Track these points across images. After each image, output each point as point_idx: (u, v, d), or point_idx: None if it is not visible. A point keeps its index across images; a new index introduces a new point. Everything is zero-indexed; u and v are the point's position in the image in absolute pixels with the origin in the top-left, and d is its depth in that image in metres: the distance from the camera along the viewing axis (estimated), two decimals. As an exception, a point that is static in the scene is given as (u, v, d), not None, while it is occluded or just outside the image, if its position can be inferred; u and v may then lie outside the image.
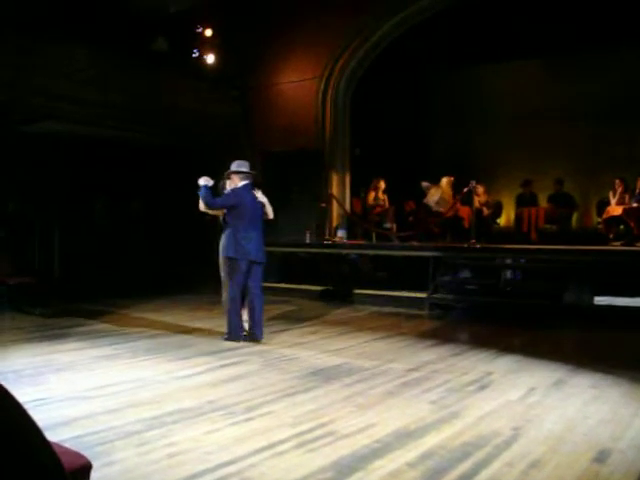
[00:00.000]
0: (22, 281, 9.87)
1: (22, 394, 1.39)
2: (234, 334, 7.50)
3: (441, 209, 12.66)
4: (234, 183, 7.64)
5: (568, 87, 13.91)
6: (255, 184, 7.98)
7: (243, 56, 14.17)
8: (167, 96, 12.92)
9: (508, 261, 10.75)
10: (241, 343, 7.35)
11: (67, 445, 2.29)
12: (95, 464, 2.21)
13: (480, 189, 12.69)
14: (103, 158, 13.73)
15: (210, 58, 13.79)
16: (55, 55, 11.19)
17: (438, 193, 12.83)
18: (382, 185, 13.52)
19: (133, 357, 6.51)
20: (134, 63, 12.55)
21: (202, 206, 7.79)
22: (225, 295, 7.76)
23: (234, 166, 7.70)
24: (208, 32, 13.78)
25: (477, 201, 12.18)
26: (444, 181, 12.94)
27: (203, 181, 7.53)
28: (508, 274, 10.75)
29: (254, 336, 7.51)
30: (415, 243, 12.10)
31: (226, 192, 7.66)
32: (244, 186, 7.61)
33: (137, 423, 4.24)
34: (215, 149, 13.98)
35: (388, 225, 13.46)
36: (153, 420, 4.31)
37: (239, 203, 7.51)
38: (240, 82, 14.40)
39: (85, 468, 1.95)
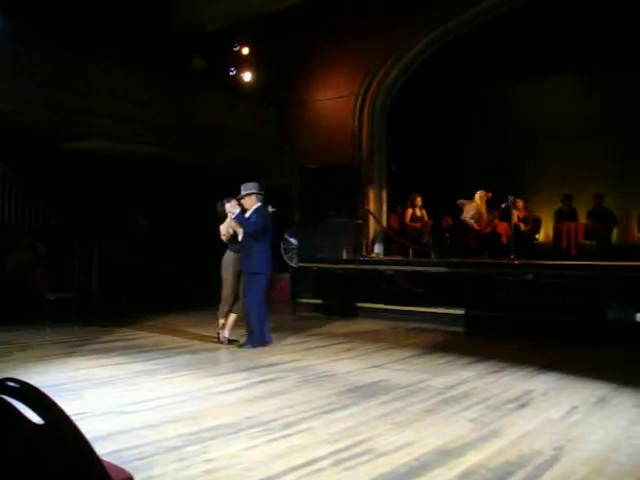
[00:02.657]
0: (62, 296, 10.02)
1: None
2: (258, 342, 8.08)
3: (476, 225, 12.55)
4: (253, 204, 8.06)
5: (609, 100, 13.72)
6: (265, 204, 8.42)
7: (280, 73, 14.28)
8: (205, 114, 13.08)
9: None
10: (276, 358, 7.39)
11: (107, 459, 2.31)
12: (134, 479, 2.21)
13: (520, 203, 12.58)
14: (142, 175, 13.92)
15: (247, 76, 13.93)
16: (95, 74, 11.43)
17: (473, 208, 12.74)
18: (419, 201, 13.45)
19: (172, 372, 6.55)
20: (172, 82, 12.73)
21: (226, 231, 8.33)
22: (226, 308, 8.49)
23: (249, 187, 8.12)
24: (245, 50, 13.94)
25: (516, 216, 12.07)
26: (477, 196, 12.85)
27: (236, 209, 8.04)
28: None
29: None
30: (453, 259, 12.02)
31: (254, 215, 8.03)
32: (262, 207, 8.11)
33: (176, 438, 4.26)
34: (253, 166, 14.10)
35: (425, 240, 13.38)
36: (191, 436, 4.32)
37: (267, 223, 8.06)
38: (277, 99, 14.50)
39: (127, 483, 1.96)
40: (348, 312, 11.93)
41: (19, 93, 10.45)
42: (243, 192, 8.12)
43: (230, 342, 8.42)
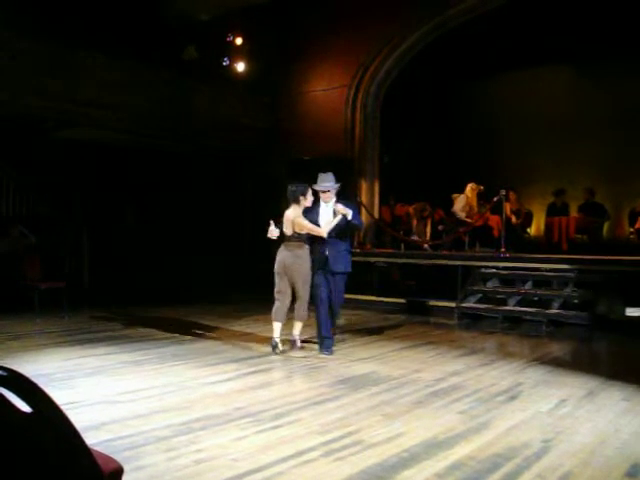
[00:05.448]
0: (52, 286, 9.98)
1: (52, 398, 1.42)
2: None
3: (466, 218, 12.55)
4: (330, 197, 7.31)
5: (600, 94, 13.72)
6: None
7: (273, 64, 14.25)
8: (197, 104, 13.04)
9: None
10: (267, 349, 7.36)
11: (97, 449, 2.30)
12: (124, 469, 2.21)
13: (512, 196, 12.60)
14: (133, 165, 13.88)
15: (240, 66, 13.90)
16: (87, 63, 11.37)
17: (463, 200, 12.76)
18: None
19: (162, 363, 6.54)
20: (165, 71, 12.68)
21: (324, 232, 7.17)
22: (304, 311, 7.41)
23: (331, 179, 7.34)
24: (238, 40, 13.89)
25: (508, 208, 12.08)
26: (469, 188, 12.87)
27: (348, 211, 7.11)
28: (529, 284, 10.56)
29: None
30: (445, 252, 12.04)
31: (351, 209, 7.19)
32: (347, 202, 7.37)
33: (165, 429, 4.26)
34: (246, 156, 14.07)
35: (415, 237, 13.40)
36: (181, 426, 4.32)
37: None
38: (270, 90, 14.46)
39: (117, 472, 1.96)
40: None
41: (9, 81, 10.37)
42: (328, 184, 7.32)
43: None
